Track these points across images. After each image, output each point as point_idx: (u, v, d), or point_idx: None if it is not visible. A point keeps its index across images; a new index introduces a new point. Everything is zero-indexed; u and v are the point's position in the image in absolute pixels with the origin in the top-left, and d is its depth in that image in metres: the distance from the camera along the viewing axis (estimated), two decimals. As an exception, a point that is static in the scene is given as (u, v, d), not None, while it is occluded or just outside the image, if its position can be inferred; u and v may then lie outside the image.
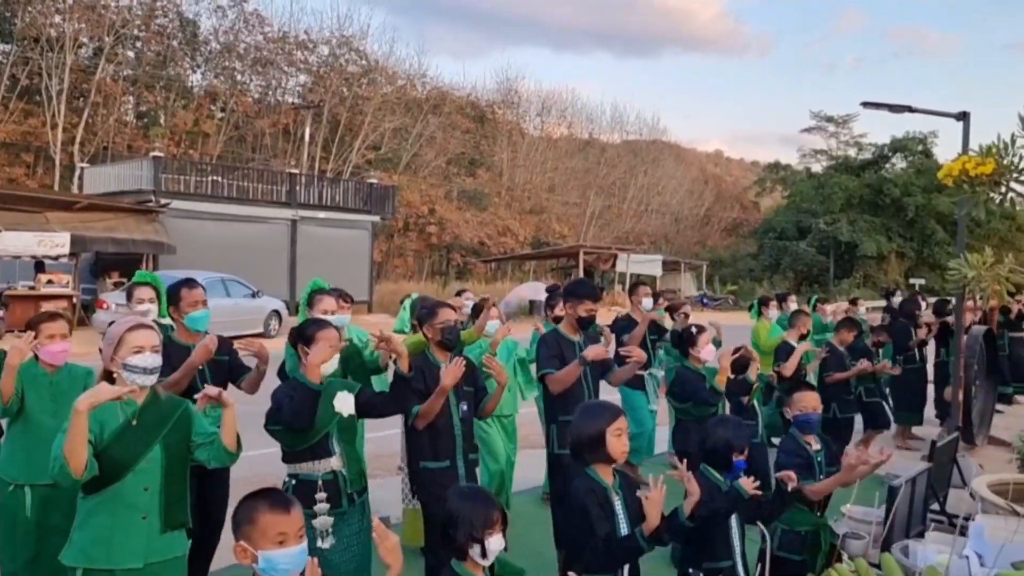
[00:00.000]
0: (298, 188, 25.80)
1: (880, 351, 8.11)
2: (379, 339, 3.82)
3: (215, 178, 24.37)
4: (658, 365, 7.04)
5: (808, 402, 3.96)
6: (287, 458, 3.53)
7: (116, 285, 18.81)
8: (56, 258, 17.73)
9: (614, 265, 32.83)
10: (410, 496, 4.05)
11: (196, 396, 3.04)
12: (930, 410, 8.95)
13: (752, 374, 5.53)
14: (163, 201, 21.71)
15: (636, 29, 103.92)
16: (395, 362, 3.71)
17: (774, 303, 8.36)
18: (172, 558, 2.92)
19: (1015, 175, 2.23)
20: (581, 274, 31.04)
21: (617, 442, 3.01)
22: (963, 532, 3.19)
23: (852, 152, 46.90)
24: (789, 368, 6.32)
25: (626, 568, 3.00)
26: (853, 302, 10.51)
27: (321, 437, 3.46)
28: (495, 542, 2.49)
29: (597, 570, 2.89)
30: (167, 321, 4.18)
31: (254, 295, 18.42)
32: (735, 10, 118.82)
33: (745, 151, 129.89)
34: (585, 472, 3.04)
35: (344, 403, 3.52)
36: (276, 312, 18.79)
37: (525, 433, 6.32)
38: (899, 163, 45.47)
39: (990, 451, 7.85)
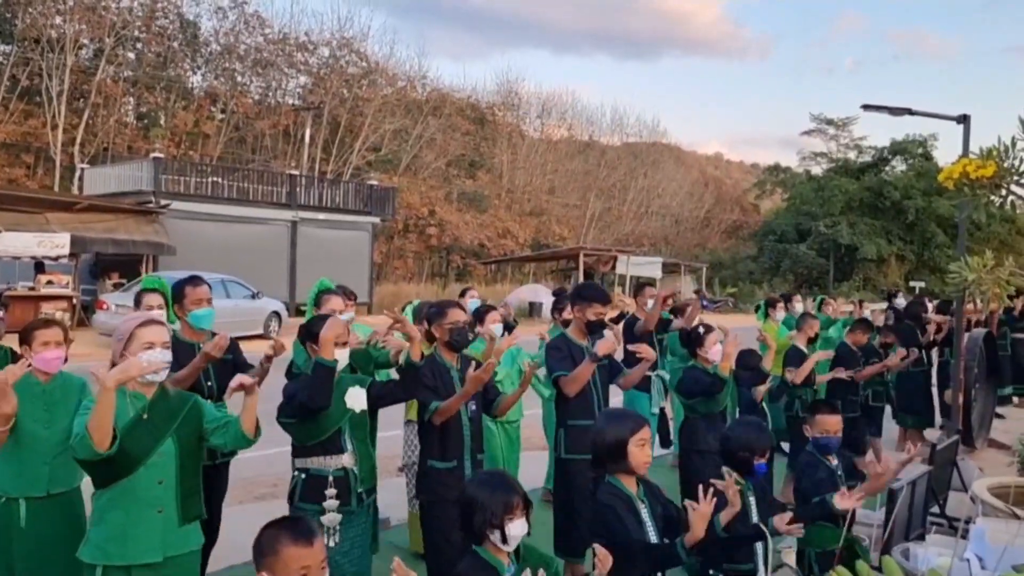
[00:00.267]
0: (298, 189, 25.81)
1: (887, 353, 8.08)
2: (394, 319, 3.82)
3: (215, 179, 24.38)
4: (664, 368, 6.99)
5: (830, 426, 3.91)
6: (297, 452, 3.51)
7: (116, 286, 18.81)
8: (56, 259, 17.72)
9: (614, 267, 32.83)
10: (415, 499, 4.04)
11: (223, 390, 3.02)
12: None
13: (767, 365, 5.52)
14: (163, 202, 21.70)
15: (636, 32, 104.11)
16: (404, 352, 3.69)
17: (781, 304, 8.33)
18: (189, 552, 2.92)
19: (1015, 178, 2.23)
20: (581, 276, 31.06)
21: (640, 452, 2.92)
22: (964, 535, 3.19)
23: (852, 155, 46.99)
24: (799, 376, 6.28)
25: None
26: (860, 303, 10.48)
27: (333, 433, 3.45)
28: (516, 527, 2.45)
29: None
30: (176, 326, 4.18)
31: (254, 296, 18.42)
32: (734, 13, 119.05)
33: (745, 153, 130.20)
34: (607, 481, 2.97)
35: (356, 398, 3.50)
36: (276, 313, 18.78)
37: (526, 435, 6.32)
38: (899, 166, 45.52)
39: (990, 454, 7.84)
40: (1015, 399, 10.64)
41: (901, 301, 12.37)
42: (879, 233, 42.06)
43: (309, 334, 3.56)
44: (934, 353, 9.02)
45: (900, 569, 2.62)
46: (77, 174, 27.17)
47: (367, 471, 3.68)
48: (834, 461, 3.90)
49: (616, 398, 5.23)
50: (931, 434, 8.57)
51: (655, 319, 6.48)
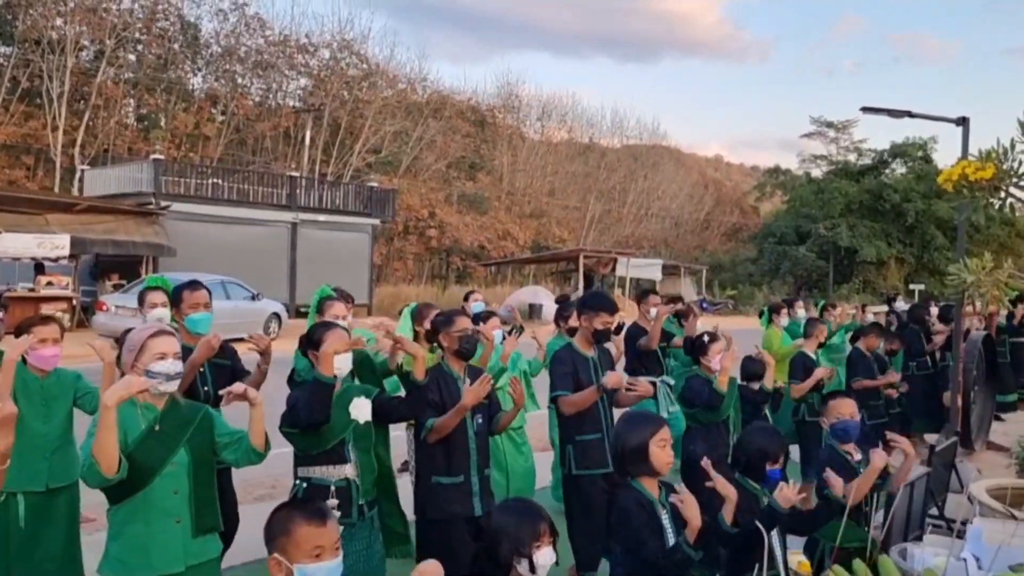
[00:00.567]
0: (298, 191, 25.83)
1: (891, 359, 8.05)
2: (389, 337, 3.77)
3: (215, 181, 24.40)
4: (670, 374, 6.94)
5: (844, 408, 3.81)
6: (300, 461, 3.49)
7: (116, 287, 18.81)
8: (56, 260, 17.73)
9: (614, 269, 32.83)
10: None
11: (220, 392, 3.01)
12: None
13: (767, 382, 5.47)
14: (163, 203, 21.71)
15: (636, 34, 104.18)
16: (404, 366, 3.65)
17: (785, 310, 8.27)
18: (208, 560, 2.93)
19: (1014, 180, 2.24)
20: (581, 278, 31.06)
21: (661, 453, 2.91)
22: (960, 535, 3.19)
23: (852, 157, 46.99)
24: (800, 391, 6.25)
25: None
26: (861, 309, 10.45)
27: (337, 443, 3.43)
28: (545, 555, 2.36)
29: None
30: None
31: (254, 298, 18.42)
32: (735, 15, 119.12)
33: (745, 156, 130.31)
34: (630, 485, 2.94)
35: (361, 409, 3.47)
36: (276, 315, 18.78)
37: (529, 436, 6.29)
38: (899, 168, 45.52)
39: (989, 456, 7.84)
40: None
41: (901, 304, 12.36)
42: (879, 236, 42.07)
43: (310, 342, 3.55)
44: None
45: (897, 569, 2.63)
46: (77, 175, 27.17)
47: (370, 483, 3.66)
48: (857, 456, 3.79)
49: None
50: (931, 436, 8.56)
51: (658, 336, 6.41)
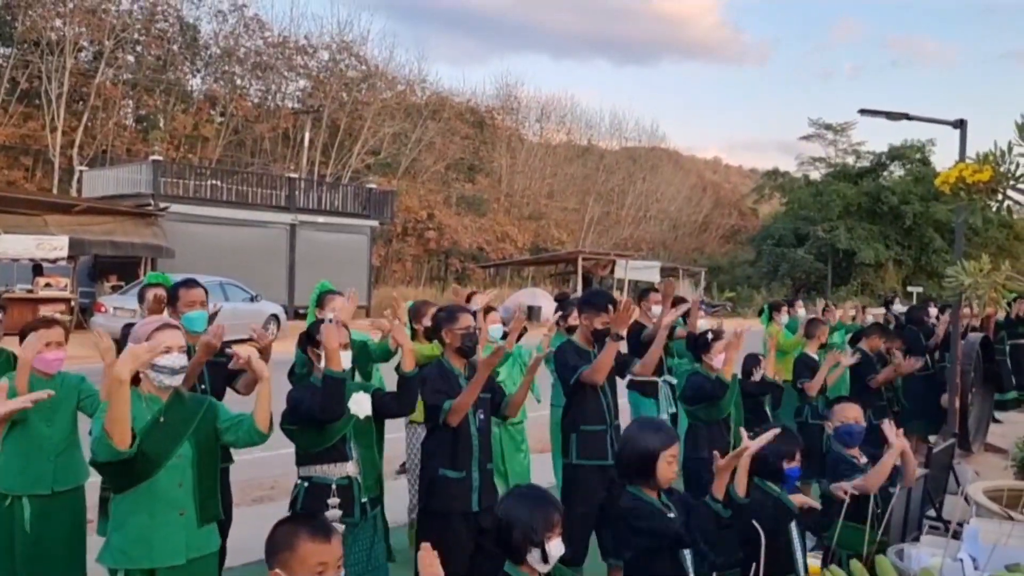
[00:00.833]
0: (297, 192, 25.82)
1: (892, 359, 8.05)
2: (386, 329, 3.75)
3: (214, 182, 24.41)
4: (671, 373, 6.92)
5: (849, 413, 3.81)
6: (301, 460, 3.48)
7: (114, 288, 18.81)
8: (54, 261, 17.73)
9: (612, 271, 32.85)
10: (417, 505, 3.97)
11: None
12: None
13: (762, 374, 5.47)
14: (162, 205, 21.71)
15: (635, 36, 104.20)
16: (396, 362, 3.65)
17: (785, 308, 8.31)
18: (209, 553, 2.94)
19: (1012, 183, 2.24)
20: (580, 280, 31.08)
21: (667, 469, 2.88)
22: (957, 536, 3.20)
23: (850, 160, 47.06)
24: (814, 388, 6.24)
25: None
26: (862, 310, 10.43)
27: (338, 440, 3.42)
28: (556, 546, 2.36)
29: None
30: None
31: (253, 299, 18.43)
32: (733, 18, 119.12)
33: (743, 158, 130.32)
34: (628, 490, 2.92)
35: (360, 404, 3.47)
36: (275, 316, 18.79)
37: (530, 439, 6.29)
38: (897, 171, 45.58)
39: (987, 458, 7.86)
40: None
41: (898, 307, 12.37)
42: (877, 238, 42.12)
43: (310, 339, 3.55)
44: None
45: (894, 569, 2.63)
46: (76, 176, 27.16)
47: (373, 479, 3.66)
48: (863, 459, 3.79)
49: (621, 398, 5.21)
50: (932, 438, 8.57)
51: (668, 324, 6.40)
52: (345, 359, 3.41)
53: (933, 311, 9.71)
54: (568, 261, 34.39)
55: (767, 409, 5.64)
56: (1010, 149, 2.21)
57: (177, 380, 2.88)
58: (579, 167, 47.74)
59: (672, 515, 2.89)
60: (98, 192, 23.90)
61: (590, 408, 4.40)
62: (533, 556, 2.35)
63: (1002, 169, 2.23)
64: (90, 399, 3.74)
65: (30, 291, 16.96)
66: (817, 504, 3.52)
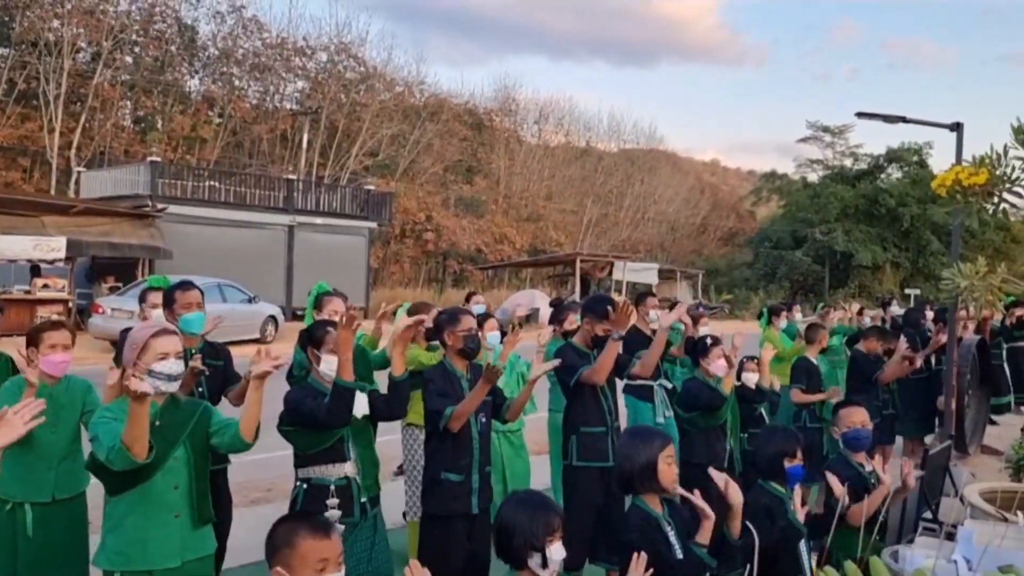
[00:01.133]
0: (295, 194, 25.81)
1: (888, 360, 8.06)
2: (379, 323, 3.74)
3: (212, 183, 24.39)
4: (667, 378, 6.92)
5: (857, 417, 3.78)
6: (299, 461, 3.48)
7: (112, 290, 18.80)
8: (52, 262, 17.70)
9: (611, 273, 32.86)
10: (416, 509, 3.96)
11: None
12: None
13: (763, 382, 5.45)
14: (160, 206, 21.69)
15: (634, 38, 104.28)
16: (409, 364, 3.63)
17: (784, 312, 8.31)
18: (205, 556, 2.94)
19: (1008, 186, 2.25)
20: (578, 282, 31.09)
21: (668, 470, 2.89)
22: (951, 538, 3.21)
23: (848, 162, 47.13)
24: (804, 400, 6.22)
25: None
26: (859, 312, 10.42)
27: (336, 440, 3.42)
28: (557, 550, 2.36)
29: None
30: None
31: (250, 300, 18.41)
32: (732, 21, 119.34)
33: (741, 160, 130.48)
34: (635, 504, 2.91)
35: (358, 404, 3.46)
36: (272, 318, 18.78)
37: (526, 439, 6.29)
38: (894, 173, 45.65)
39: (983, 460, 7.87)
40: (1013, 405, 10.64)
41: (896, 309, 12.37)
42: (874, 240, 42.18)
43: (311, 339, 3.54)
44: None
45: (888, 570, 2.64)
46: (74, 178, 27.14)
47: (372, 479, 3.65)
48: (868, 466, 3.77)
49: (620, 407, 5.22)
50: (928, 440, 8.58)
51: (668, 326, 6.39)
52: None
53: (929, 315, 9.72)
54: (566, 263, 34.39)
55: (762, 411, 5.63)
56: (1006, 152, 2.22)
57: (174, 386, 2.87)
58: (577, 169, 47.76)
59: (673, 534, 2.88)
60: (96, 193, 23.88)
61: (590, 410, 4.40)
62: (534, 561, 2.35)
63: (998, 172, 2.24)
64: (91, 415, 3.72)
65: (28, 292, 16.94)
66: (819, 510, 3.52)
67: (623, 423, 4.89)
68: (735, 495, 2.77)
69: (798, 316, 9.13)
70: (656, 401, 6.53)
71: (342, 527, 3.33)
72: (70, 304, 17.53)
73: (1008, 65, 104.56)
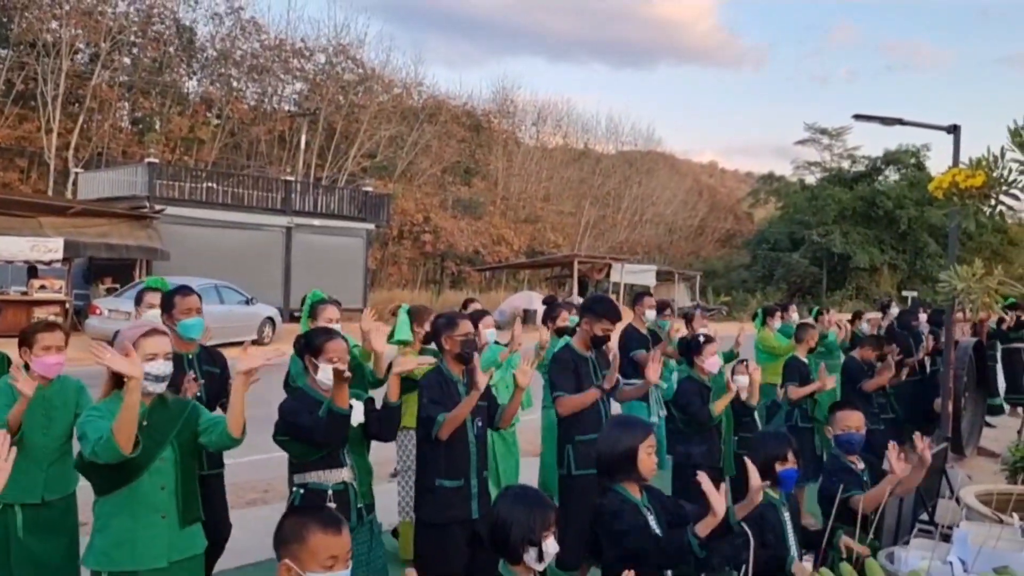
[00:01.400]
0: (293, 195, 25.80)
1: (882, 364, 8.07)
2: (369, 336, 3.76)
3: (210, 184, 24.37)
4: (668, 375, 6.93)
5: (852, 421, 3.81)
6: (296, 468, 3.47)
7: (109, 291, 18.79)
8: (49, 263, 17.67)
9: (608, 275, 32.88)
10: (408, 508, 3.96)
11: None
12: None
13: (754, 393, 5.45)
14: (157, 207, 21.67)
15: (632, 40, 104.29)
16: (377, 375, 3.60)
17: (779, 313, 8.33)
18: (192, 556, 2.94)
19: (1005, 188, 2.26)
20: (576, 284, 31.09)
21: (648, 460, 2.94)
22: (947, 539, 3.21)
23: (845, 164, 47.22)
24: (798, 394, 6.25)
25: None
26: (857, 315, 10.39)
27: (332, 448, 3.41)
28: (551, 544, 2.40)
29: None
30: None
31: (248, 302, 18.39)
32: (730, 23, 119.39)
33: (739, 162, 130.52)
34: (612, 489, 2.95)
35: (354, 413, 3.45)
36: (270, 319, 18.76)
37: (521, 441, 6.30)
38: (892, 175, 45.75)
39: (979, 462, 7.88)
40: (1007, 408, 10.66)
41: (895, 311, 12.39)
42: (872, 242, 42.25)
43: (309, 346, 3.54)
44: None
45: (883, 571, 2.64)
46: (71, 178, 27.11)
47: (366, 487, 3.65)
48: (860, 465, 3.81)
49: (613, 407, 5.22)
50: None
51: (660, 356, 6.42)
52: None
53: (923, 316, 9.74)
54: (564, 264, 34.40)
55: (756, 415, 5.64)
56: (1003, 154, 2.22)
57: (161, 387, 2.87)
58: (575, 171, 47.79)
59: (652, 519, 2.92)
60: (93, 194, 23.85)
61: (585, 418, 4.39)
62: (530, 555, 2.39)
63: (995, 174, 2.24)
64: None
65: (24, 293, 16.91)
66: (817, 523, 3.52)
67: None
68: (719, 505, 2.73)
69: (794, 317, 9.15)
70: (650, 401, 6.58)
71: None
72: (67, 305, 17.50)
73: (1005, 67, 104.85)
